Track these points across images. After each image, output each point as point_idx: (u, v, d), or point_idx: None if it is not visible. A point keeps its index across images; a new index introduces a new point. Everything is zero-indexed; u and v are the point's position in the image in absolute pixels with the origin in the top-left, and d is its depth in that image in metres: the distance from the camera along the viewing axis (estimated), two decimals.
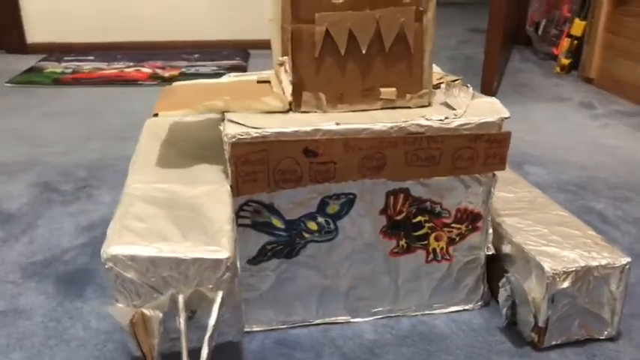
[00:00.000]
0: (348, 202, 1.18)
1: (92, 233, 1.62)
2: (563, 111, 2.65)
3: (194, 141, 1.35)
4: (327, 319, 1.27)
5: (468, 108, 1.21)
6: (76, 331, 1.25)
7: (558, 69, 3.25)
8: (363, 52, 1.15)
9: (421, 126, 1.15)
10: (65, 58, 3.36)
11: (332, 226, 1.19)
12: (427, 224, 1.23)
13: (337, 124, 1.13)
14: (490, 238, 1.27)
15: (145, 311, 0.91)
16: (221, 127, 1.14)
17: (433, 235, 1.24)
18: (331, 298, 1.25)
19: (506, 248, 1.26)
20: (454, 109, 1.20)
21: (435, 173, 1.19)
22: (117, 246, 0.91)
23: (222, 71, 3.13)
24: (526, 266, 1.20)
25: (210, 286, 0.93)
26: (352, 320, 1.28)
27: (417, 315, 1.30)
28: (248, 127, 1.10)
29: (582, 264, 1.15)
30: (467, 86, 1.26)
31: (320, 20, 1.12)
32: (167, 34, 3.57)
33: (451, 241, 1.26)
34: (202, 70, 3.16)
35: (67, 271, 1.46)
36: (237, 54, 3.47)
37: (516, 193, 1.42)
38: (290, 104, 1.18)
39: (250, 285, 1.20)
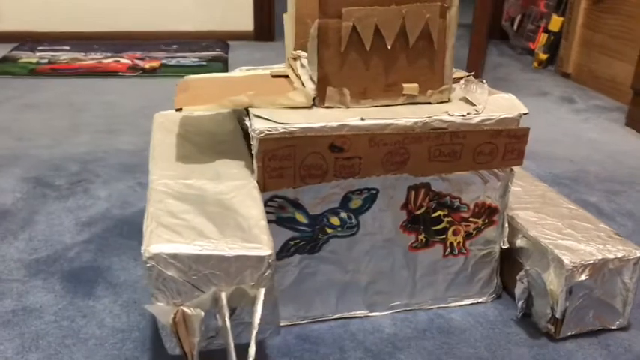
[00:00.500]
0: (371, 198, 1.19)
1: (93, 229, 1.59)
2: (545, 105, 2.71)
3: (207, 135, 1.33)
4: (346, 314, 1.27)
5: (487, 104, 1.22)
6: (92, 330, 1.23)
7: (536, 64, 3.32)
8: (389, 47, 1.15)
9: (444, 122, 1.16)
10: (39, 48, 3.26)
11: (354, 221, 1.20)
12: (446, 219, 1.25)
13: (362, 119, 1.13)
14: (506, 232, 1.30)
15: (186, 309, 0.90)
16: (247, 123, 1.13)
17: (451, 229, 1.26)
18: (351, 292, 1.26)
19: (521, 242, 1.29)
20: (474, 104, 1.21)
21: (456, 168, 1.20)
22: (158, 244, 0.89)
23: (204, 63, 3.09)
24: (543, 259, 1.22)
25: (252, 284, 0.92)
26: (370, 314, 1.29)
27: (432, 308, 1.32)
28: (276, 122, 1.10)
29: (599, 257, 1.18)
30: (482, 82, 1.28)
31: (347, 15, 1.11)
32: (144, 25, 3.50)
33: (468, 235, 1.28)
34: (183, 61, 3.11)
35: (72, 268, 1.42)
36: (217, 45, 3.43)
37: (524, 187, 1.45)
38: (314, 99, 1.17)
39: None
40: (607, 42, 2.79)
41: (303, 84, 1.23)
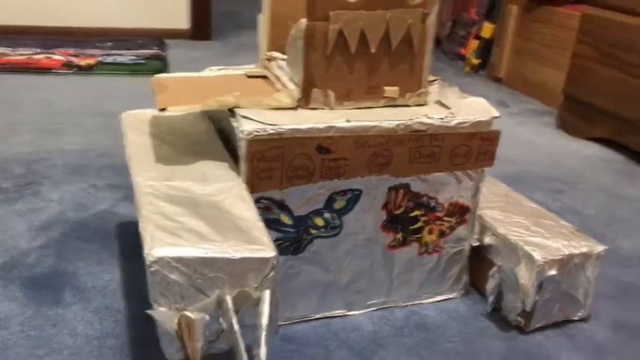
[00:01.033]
0: (354, 198, 1.20)
1: (50, 233, 1.52)
2: None
3: (181, 135, 1.30)
4: (326, 313, 1.28)
5: (461, 107, 1.27)
6: (64, 339, 1.17)
7: (468, 68, 3.45)
8: (372, 51, 1.17)
9: (424, 124, 1.20)
10: None
11: (337, 221, 1.21)
12: (422, 218, 1.28)
13: (348, 121, 1.15)
14: (476, 230, 1.35)
15: (190, 314, 0.88)
16: (233, 124, 1.12)
17: (427, 228, 1.30)
18: (331, 292, 1.27)
19: (490, 239, 1.34)
20: (449, 108, 1.26)
21: (435, 169, 1.24)
22: (162, 248, 0.86)
23: (142, 61, 3.00)
24: (513, 256, 1.28)
25: (255, 286, 0.91)
26: (348, 313, 1.30)
27: (407, 305, 1.35)
28: (265, 123, 1.09)
29: (567, 252, 1.25)
30: (454, 86, 1.33)
31: (335, 18, 1.13)
32: (75, 21, 3.36)
33: (442, 234, 1.32)
34: (120, 59, 3.00)
35: (33, 274, 1.35)
36: (154, 43, 3.33)
37: (488, 187, 1.51)
38: (298, 101, 1.18)
39: None
40: (538, 50, 2.94)
41: (284, 85, 1.23)
